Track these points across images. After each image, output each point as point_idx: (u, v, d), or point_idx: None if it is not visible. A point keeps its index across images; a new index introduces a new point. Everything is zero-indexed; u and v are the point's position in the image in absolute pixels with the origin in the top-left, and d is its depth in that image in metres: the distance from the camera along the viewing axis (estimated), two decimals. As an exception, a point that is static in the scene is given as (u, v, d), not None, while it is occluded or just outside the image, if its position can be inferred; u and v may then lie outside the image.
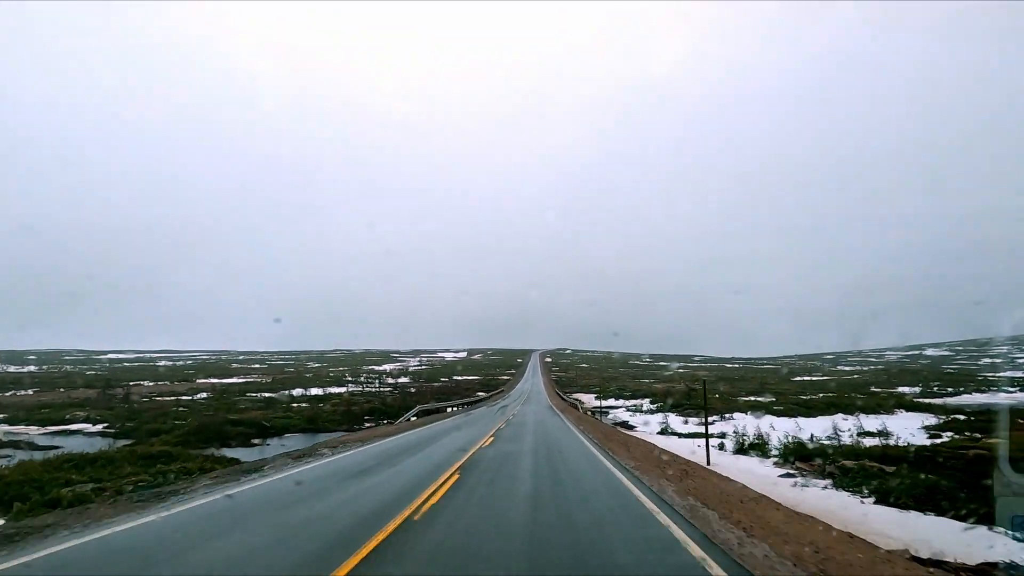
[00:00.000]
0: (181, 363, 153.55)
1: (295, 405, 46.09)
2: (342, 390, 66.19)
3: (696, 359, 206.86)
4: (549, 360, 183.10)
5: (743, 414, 37.25)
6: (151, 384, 70.83)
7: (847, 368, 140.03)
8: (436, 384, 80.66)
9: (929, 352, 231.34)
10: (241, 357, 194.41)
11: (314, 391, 61.17)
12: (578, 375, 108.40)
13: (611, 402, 49.74)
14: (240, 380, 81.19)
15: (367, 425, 34.87)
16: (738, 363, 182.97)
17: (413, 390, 67.87)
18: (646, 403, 48.35)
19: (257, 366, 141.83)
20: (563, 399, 52.85)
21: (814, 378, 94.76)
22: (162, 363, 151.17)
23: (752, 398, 49.90)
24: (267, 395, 55.98)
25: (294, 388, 65.59)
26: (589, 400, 50.52)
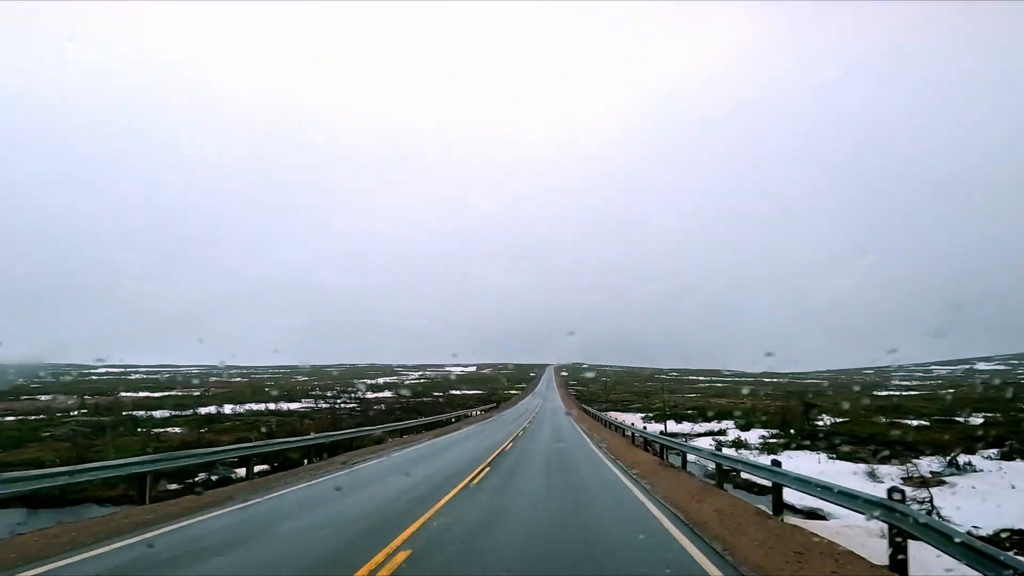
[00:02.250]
0: (157, 376, 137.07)
1: (156, 431, 27.83)
2: (289, 407, 48.01)
3: (725, 373, 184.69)
4: (565, 374, 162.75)
5: (979, 457, 17.79)
6: (45, 399, 53.43)
7: (910, 383, 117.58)
8: (422, 399, 61.76)
9: (981, 366, 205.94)
10: (233, 370, 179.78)
11: (235, 407, 42.80)
12: (603, 388, 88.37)
13: (672, 426, 30.28)
14: (175, 394, 63.47)
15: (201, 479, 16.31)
16: (777, 378, 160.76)
17: (383, 407, 49.18)
18: (730, 427, 28.96)
19: (239, 379, 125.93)
20: (599, 421, 33.26)
21: (899, 394, 74.17)
22: (135, 376, 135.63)
23: (904, 422, 29.98)
24: (152, 414, 37.72)
25: (225, 404, 47.35)
26: (634, 421, 31.15)
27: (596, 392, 78.62)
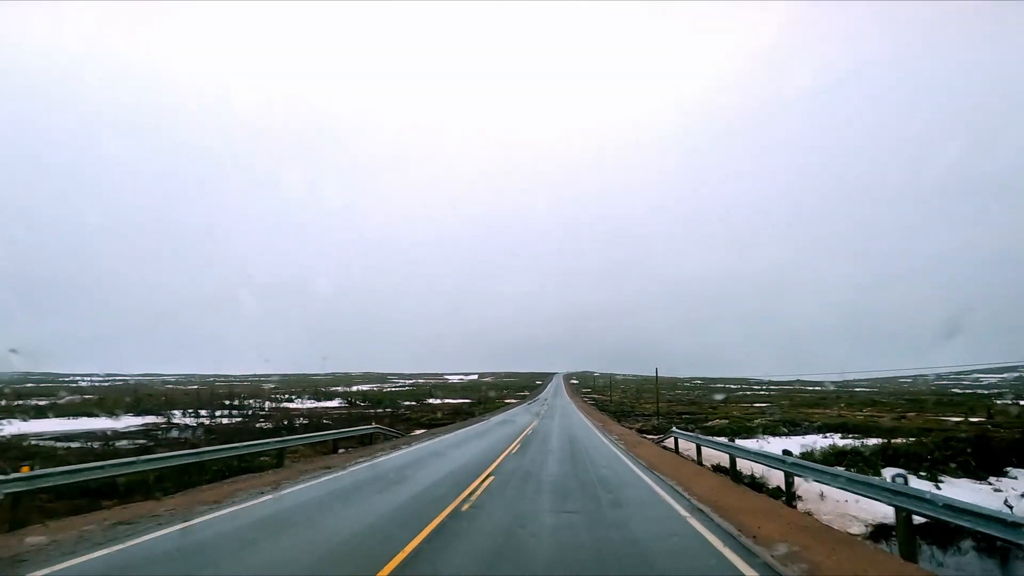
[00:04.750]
0: (117, 384, 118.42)
1: None
2: (115, 426, 28.47)
3: (752, 382, 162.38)
4: (575, 382, 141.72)
5: None
6: None
7: (980, 391, 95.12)
8: (364, 412, 41.47)
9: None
10: (210, 378, 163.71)
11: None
12: (625, 397, 67.20)
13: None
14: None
15: None
16: (817, 386, 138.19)
17: (285, 422, 28.85)
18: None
19: (195, 387, 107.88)
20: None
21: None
22: (86, 383, 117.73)
23: None
24: None
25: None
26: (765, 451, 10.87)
27: (622, 401, 57.61)
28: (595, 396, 73.19)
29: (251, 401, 44.47)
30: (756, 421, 23.74)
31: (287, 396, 55.02)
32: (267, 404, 43.65)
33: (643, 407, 42.97)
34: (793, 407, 42.61)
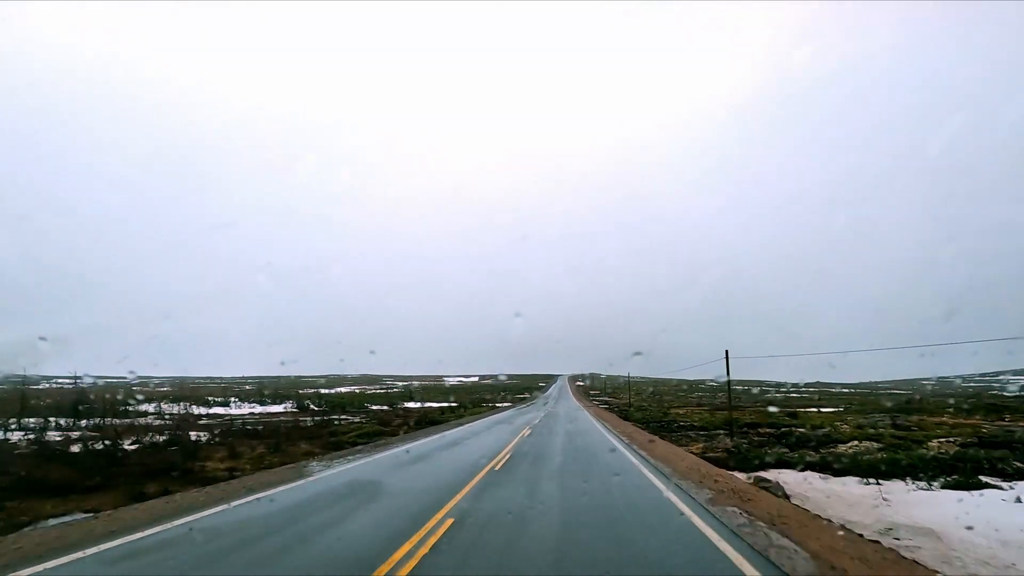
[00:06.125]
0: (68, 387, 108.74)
1: None
2: None
3: (770, 383, 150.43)
4: (581, 384, 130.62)
5: None
6: None
7: None
8: (299, 423, 30.81)
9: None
10: (195, 380, 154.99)
11: None
12: (642, 400, 56.03)
13: None
14: None
15: None
16: (847, 388, 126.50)
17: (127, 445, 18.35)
18: None
19: (166, 388, 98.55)
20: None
21: None
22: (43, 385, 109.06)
23: None
24: None
25: None
26: None
27: (642, 405, 46.31)
28: (608, 400, 61.90)
29: (169, 406, 33.86)
30: (933, 444, 12.66)
31: (227, 400, 44.42)
32: (179, 409, 33.00)
33: (677, 414, 31.72)
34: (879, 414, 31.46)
